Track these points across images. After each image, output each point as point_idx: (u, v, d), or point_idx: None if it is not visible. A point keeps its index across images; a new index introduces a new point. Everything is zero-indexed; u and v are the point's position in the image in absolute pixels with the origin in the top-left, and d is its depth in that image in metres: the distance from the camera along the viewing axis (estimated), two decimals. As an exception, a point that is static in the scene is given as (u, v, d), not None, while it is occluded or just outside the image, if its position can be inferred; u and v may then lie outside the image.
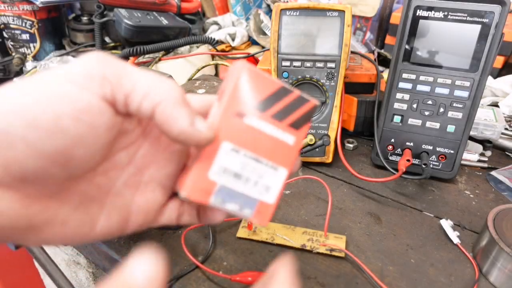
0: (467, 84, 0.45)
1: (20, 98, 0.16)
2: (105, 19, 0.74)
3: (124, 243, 0.38)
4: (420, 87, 0.47)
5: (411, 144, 0.49)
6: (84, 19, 0.81)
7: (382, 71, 0.60)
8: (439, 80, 0.46)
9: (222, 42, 0.83)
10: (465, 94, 0.45)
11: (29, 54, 0.78)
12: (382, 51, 0.79)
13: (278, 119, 0.20)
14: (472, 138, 0.56)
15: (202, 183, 0.19)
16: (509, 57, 0.67)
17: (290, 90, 0.21)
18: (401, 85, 0.48)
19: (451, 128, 0.47)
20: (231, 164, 0.20)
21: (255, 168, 0.20)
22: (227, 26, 0.88)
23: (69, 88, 0.16)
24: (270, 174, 0.20)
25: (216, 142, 0.19)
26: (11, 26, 0.75)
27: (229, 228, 0.40)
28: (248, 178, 0.20)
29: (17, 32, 0.75)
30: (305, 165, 0.52)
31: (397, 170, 0.45)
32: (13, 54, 0.78)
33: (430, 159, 0.48)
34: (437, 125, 0.47)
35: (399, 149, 0.50)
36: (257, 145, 0.20)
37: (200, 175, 0.19)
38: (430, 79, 0.46)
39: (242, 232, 0.39)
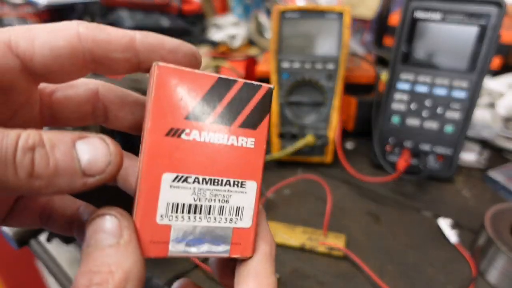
0: (465, 85, 0.46)
1: None
2: (107, 20, 0.75)
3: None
4: (418, 88, 0.48)
5: (410, 144, 0.49)
6: (87, 20, 0.81)
7: (380, 72, 0.61)
8: (437, 81, 0.47)
9: (222, 44, 0.83)
10: (462, 95, 0.46)
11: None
12: (381, 52, 0.79)
13: (225, 122, 0.16)
14: (469, 139, 0.56)
15: (153, 234, 0.15)
16: (506, 58, 0.68)
17: (231, 79, 0.16)
18: (400, 86, 0.48)
19: (449, 128, 0.47)
20: (181, 197, 0.15)
21: (214, 192, 0.16)
22: (227, 28, 0.89)
23: None
24: (236, 193, 0.16)
25: (153, 177, 0.15)
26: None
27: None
28: (209, 206, 0.16)
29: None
30: (305, 165, 0.53)
31: (395, 170, 0.46)
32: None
33: (428, 159, 0.49)
34: (435, 126, 0.48)
35: (397, 149, 0.50)
36: (208, 163, 0.16)
37: (147, 224, 0.15)
38: (428, 80, 0.47)
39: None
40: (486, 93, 0.65)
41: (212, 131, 0.16)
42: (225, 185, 0.16)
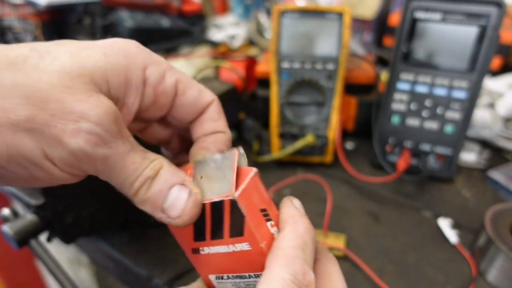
0: (465, 85, 0.46)
1: None
2: (107, 21, 0.75)
3: (126, 242, 0.38)
4: (418, 88, 0.48)
5: (410, 144, 0.49)
6: (87, 21, 0.81)
7: (380, 73, 0.61)
8: (437, 81, 0.47)
9: (222, 44, 0.83)
10: (462, 95, 0.46)
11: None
12: (381, 52, 0.79)
13: (218, 237, 0.19)
14: (469, 139, 0.56)
15: None
16: (506, 58, 0.68)
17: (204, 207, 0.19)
18: (400, 86, 0.48)
19: (449, 128, 0.47)
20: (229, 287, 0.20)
21: (246, 282, 0.20)
22: (227, 28, 0.89)
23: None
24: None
25: (207, 278, 0.21)
26: (15, 28, 0.76)
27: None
28: None
29: (21, 34, 0.76)
30: (305, 165, 0.53)
31: (395, 170, 0.46)
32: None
33: (428, 159, 0.49)
34: (435, 126, 0.48)
35: (397, 150, 0.50)
36: (228, 265, 0.19)
37: None
38: (428, 80, 0.47)
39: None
40: (486, 93, 0.65)
41: (214, 245, 0.19)
42: (249, 277, 0.19)
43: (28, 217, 0.32)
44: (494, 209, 0.39)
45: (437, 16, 0.45)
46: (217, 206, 0.18)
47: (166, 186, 0.18)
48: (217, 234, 0.19)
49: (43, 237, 0.33)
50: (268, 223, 0.19)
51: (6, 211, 0.32)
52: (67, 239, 0.34)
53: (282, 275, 0.16)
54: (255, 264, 0.19)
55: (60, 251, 0.57)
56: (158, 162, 0.18)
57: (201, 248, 0.19)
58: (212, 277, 0.20)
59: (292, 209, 0.20)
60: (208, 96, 0.22)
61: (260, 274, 0.18)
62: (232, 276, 0.20)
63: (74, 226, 0.34)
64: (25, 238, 0.31)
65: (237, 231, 0.18)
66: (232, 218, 0.18)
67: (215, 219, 0.19)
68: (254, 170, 0.19)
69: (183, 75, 0.21)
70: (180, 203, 0.18)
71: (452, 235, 0.40)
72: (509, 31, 0.64)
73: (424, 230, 0.41)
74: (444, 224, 0.41)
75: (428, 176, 0.48)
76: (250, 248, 0.18)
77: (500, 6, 0.42)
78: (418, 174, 0.46)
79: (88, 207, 0.34)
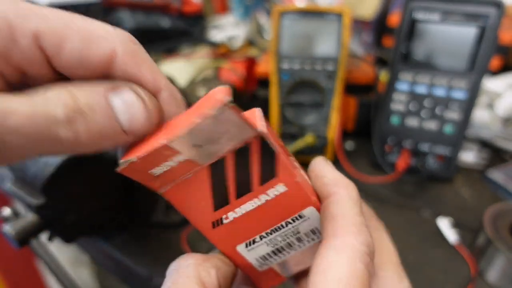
0: (464, 85, 0.46)
1: None
2: (107, 21, 0.75)
3: (127, 242, 0.38)
4: (417, 88, 0.48)
5: (409, 144, 0.49)
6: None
7: (380, 73, 0.61)
8: (436, 82, 0.47)
9: (222, 44, 0.84)
10: (461, 95, 0.46)
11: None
12: (380, 52, 0.79)
13: (246, 192, 0.16)
14: (468, 139, 0.57)
15: (265, 277, 0.19)
16: (505, 59, 0.68)
17: (218, 161, 0.15)
18: (399, 86, 0.49)
19: (448, 128, 0.47)
20: (262, 251, 0.18)
21: (282, 234, 0.18)
22: (227, 29, 0.89)
23: None
24: (301, 223, 0.17)
25: (234, 254, 0.18)
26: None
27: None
28: (287, 243, 0.18)
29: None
30: (305, 165, 0.53)
31: (395, 170, 0.46)
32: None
33: (428, 159, 0.49)
34: (434, 126, 0.48)
35: (397, 150, 0.50)
36: (260, 223, 0.17)
37: (256, 276, 0.19)
38: (427, 80, 0.47)
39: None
40: (485, 94, 0.65)
41: (241, 204, 0.17)
42: (286, 225, 0.17)
43: (29, 217, 0.32)
44: (493, 209, 0.39)
45: (436, 16, 0.45)
46: (241, 153, 0.15)
47: (101, 98, 0.12)
48: (244, 188, 0.16)
49: (43, 236, 0.34)
50: (291, 158, 0.17)
51: (6, 211, 0.32)
52: (68, 239, 0.35)
53: (358, 248, 0.14)
54: (293, 206, 0.17)
55: (60, 251, 0.58)
56: (64, 97, 0.12)
57: (224, 217, 0.17)
58: (241, 248, 0.18)
59: (336, 172, 0.17)
60: (110, 40, 0.14)
61: (300, 214, 0.17)
62: (266, 233, 0.17)
63: (74, 225, 0.34)
64: (25, 237, 0.31)
65: (269, 173, 0.16)
66: (261, 159, 0.15)
67: (240, 170, 0.15)
68: (257, 109, 0.17)
69: (44, 21, 0.13)
70: (136, 109, 0.13)
71: (451, 235, 0.40)
72: (508, 32, 0.64)
73: (423, 230, 0.42)
74: (443, 224, 0.41)
75: (427, 176, 0.48)
76: (286, 189, 0.16)
77: (499, 6, 0.42)
78: (417, 174, 0.47)
79: (89, 207, 0.34)
